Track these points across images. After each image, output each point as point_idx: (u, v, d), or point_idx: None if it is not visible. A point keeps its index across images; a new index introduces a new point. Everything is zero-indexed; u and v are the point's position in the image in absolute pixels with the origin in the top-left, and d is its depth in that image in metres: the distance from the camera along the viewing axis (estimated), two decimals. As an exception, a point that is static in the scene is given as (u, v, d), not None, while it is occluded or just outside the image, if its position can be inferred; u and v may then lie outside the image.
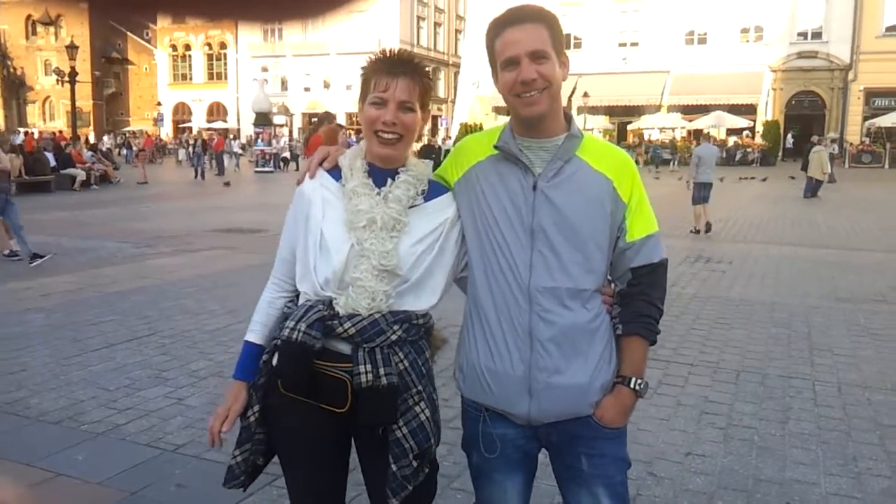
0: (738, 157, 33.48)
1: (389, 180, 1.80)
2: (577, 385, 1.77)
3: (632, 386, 1.80)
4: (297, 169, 30.97)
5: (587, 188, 1.76)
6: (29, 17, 55.08)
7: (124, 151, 37.17)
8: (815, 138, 22.14)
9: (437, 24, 52.07)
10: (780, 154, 34.75)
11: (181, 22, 49.64)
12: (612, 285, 1.87)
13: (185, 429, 3.94)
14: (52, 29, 54.45)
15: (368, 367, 1.71)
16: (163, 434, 3.87)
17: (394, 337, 1.74)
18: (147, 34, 58.74)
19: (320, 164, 1.89)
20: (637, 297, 1.81)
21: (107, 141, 37.40)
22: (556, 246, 1.75)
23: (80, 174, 20.29)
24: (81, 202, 16.88)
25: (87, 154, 22.62)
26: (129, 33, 58.72)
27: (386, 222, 1.75)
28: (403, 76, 1.76)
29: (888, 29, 34.30)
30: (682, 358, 5.27)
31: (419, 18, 49.66)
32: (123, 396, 4.41)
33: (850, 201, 17.82)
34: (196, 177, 25.42)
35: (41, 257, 8.73)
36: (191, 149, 31.85)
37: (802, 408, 4.37)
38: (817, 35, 35.64)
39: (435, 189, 1.86)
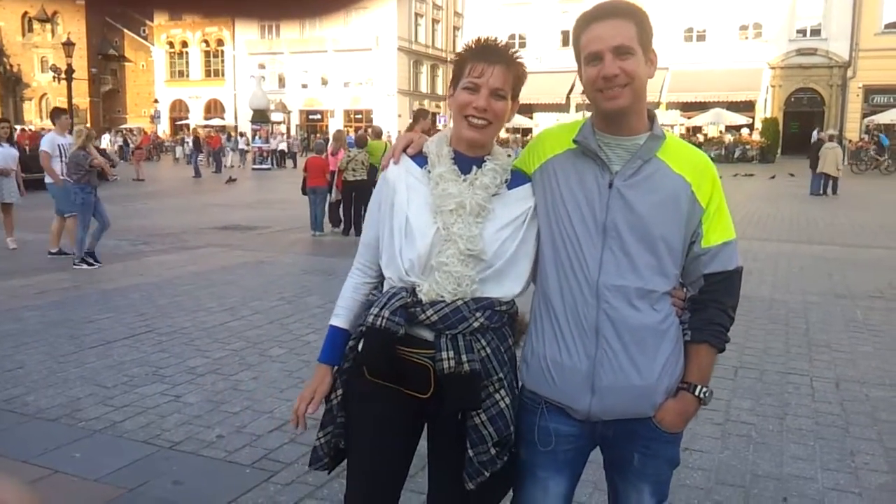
0: (736, 154, 33.50)
1: (475, 168, 1.82)
2: (641, 386, 1.74)
3: (697, 393, 1.78)
4: (295, 166, 30.97)
5: (664, 189, 1.72)
6: (25, 14, 54.98)
7: (120, 146, 37.05)
8: (823, 135, 22.07)
9: (434, 21, 51.99)
10: (778, 151, 34.75)
11: (178, 19, 49.58)
12: (685, 289, 1.83)
13: (182, 426, 3.93)
14: (48, 26, 54.44)
15: (451, 353, 1.72)
16: (160, 431, 3.86)
17: (476, 324, 1.75)
18: (144, 31, 58.61)
19: (404, 150, 1.90)
20: (709, 305, 1.78)
21: (108, 139, 37.21)
22: (628, 245, 1.72)
23: (78, 171, 20.21)
24: (79, 199, 16.79)
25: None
26: (125, 30, 58.59)
27: (473, 207, 1.77)
28: (499, 64, 1.77)
29: (887, 26, 34.30)
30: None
31: (417, 15, 49.58)
32: (120, 393, 4.40)
33: (849, 198, 17.83)
34: (194, 175, 25.37)
35: (88, 264, 8.42)
36: (186, 146, 31.82)
37: (800, 403, 4.37)
38: (816, 32, 35.63)
39: (517, 178, 1.87)
